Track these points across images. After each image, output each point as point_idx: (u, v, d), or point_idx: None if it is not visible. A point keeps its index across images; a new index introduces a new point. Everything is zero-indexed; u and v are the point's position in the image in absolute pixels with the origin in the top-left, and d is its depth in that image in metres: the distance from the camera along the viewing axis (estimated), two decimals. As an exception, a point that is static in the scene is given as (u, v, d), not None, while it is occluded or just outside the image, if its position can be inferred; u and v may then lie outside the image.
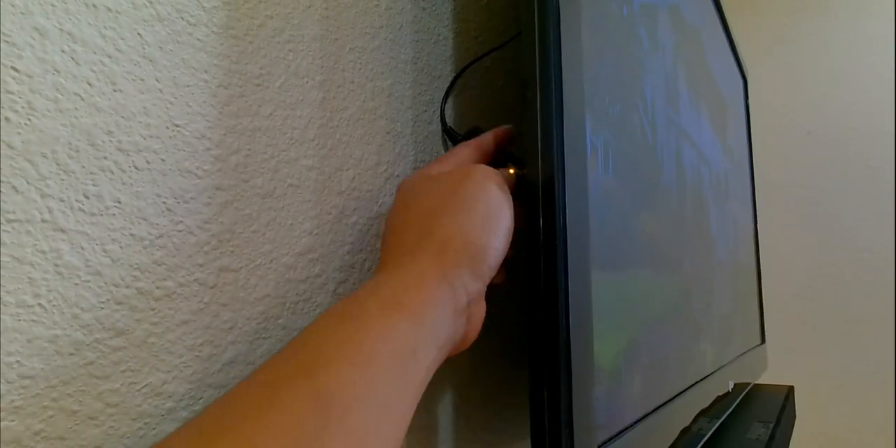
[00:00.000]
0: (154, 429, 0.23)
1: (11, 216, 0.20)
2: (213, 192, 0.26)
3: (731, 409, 0.62)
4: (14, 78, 0.20)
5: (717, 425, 0.54)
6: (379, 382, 0.22)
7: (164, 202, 0.24)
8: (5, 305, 0.20)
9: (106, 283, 0.22)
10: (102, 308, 0.22)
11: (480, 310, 0.29)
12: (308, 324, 0.30)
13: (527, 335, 0.28)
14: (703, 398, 0.50)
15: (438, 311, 0.26)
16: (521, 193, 0.31)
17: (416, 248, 0.27)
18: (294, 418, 0.20)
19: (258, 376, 0.22)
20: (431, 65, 0.41)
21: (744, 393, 0.72)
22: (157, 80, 0.24)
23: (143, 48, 0.24)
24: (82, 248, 0.22)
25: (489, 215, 0.28)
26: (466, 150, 0.34)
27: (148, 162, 0.24)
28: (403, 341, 0.24)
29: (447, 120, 0.41)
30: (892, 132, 1.23)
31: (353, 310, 0.25)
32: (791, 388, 0.88)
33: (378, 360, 0.23)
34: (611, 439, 0.31)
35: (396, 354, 0.23)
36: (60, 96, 0.21)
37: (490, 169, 0.31)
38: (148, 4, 0.24)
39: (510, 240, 0.29)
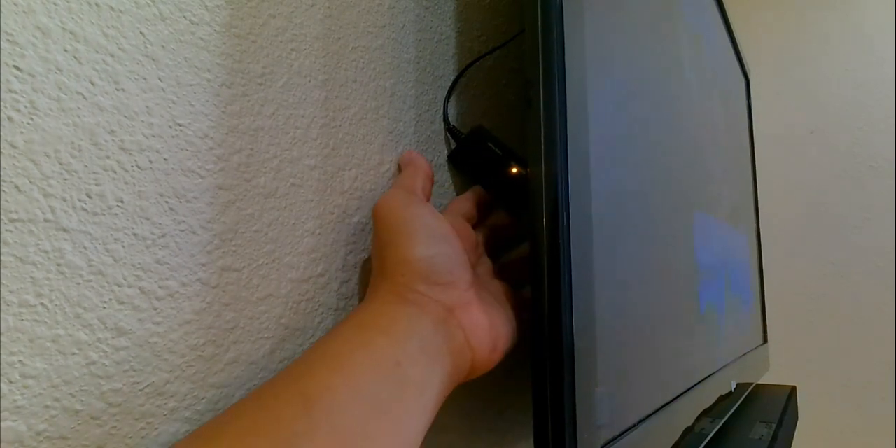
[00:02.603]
0: (157, 429, 0.23)
1: (14, 215, 0.20)
2: (216, 192, 0.26)
3: (733, 410, 0.62)
4: (16, 77, 0.20)
5: (719, 425, 0.54)
6: (363, 389, 0.23)
7: (166, 201, 0.24)
8: (7, 305, 0.19)
9: (108, 283, 0.22)
10: (105, 308, 0.22)
11: (474, 318, 0.30)
12: (309, 323, 0.30)
13: (530, 334, 0.28)
14: (705, 398, 0.50)
15: (412, 326, 0.27)
16: (525, 193, 0.31)
17: (375, 287, 0.30)
18: (282, 419, 0.21)
19: (253, 391, 0.24)
20: (434, 64, 0.41)
21: (746, 393, 0.72)
22: (159, 80, 0.24)
23: (146, 47, 0.24)
24: (85, 248, 0.21)
25: (410, 230, 0.29)
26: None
27: (150, 161, 0.24)
28: (382, 353, 0.25)
29: (450, 119, 0.41)
30: (894, 132, 1.23)
31: (332, 333, 0.27)
32: (793, 389, 0.88)
33: (360, 368, 0.24)
34: (614, 439, 0.31)
35: (377, 363, 0.25)
36: (63, 95, 0.21)
37: (387, 193, 0.33)
38: (150, 3, 0.24)
39: (446, 233, 0.30)
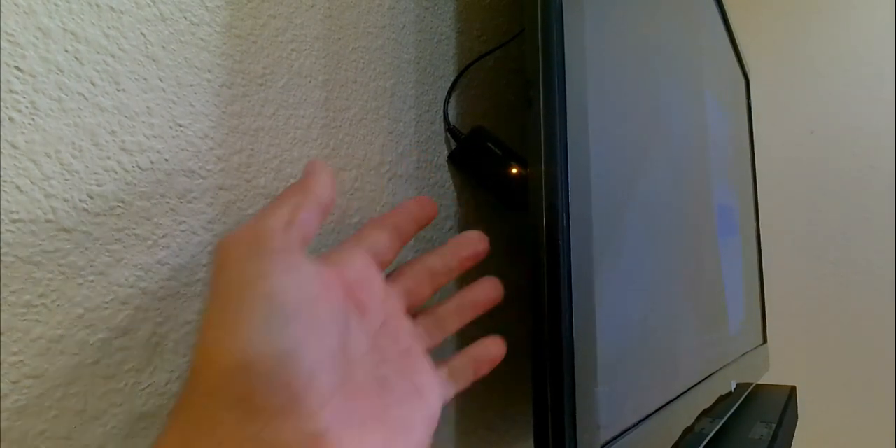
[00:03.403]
0: (158, 429, 0.23)
1: (15, 216, 0.20)
2: (217, 192, 0.26)
3: (733, 410, 0.62)
4: (17, 77, 0.20)
5: (719, 425, 0.54)
6: None
7: (167, 202, 0.24)
8: (9, 305, 0.20)
9: (110, 283, 0.22)
10: (106, 308, 0.22)
11: None
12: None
13: (529, 334, 0.28)
14: (705, 398, 0.50)
15: None
16: (525, 193, 0.31)
17: (187, 384, 0.19)
18: None
19: None
20: (434, 64, 0.41)
21: (746, 393, 0.72)
22: (160, 80, 0.24)
23: (147, 48, 0.24)
24: (86, 248, 0.22)
25: (243, 300, 0.19)
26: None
27: (151, 162, 0.24)
28: None
29: (450, 119, 0.41)
30: (894, 132, 1.23)
31: None
32: (793, 388, 0.88)
33: None
34: (614, 439, 0.31)
35: None
36: (64, 96, 0.21)
37: (236, 230, 0.21)
38: (151, 4, 0.24)
39: (300, 308, 0.19)
